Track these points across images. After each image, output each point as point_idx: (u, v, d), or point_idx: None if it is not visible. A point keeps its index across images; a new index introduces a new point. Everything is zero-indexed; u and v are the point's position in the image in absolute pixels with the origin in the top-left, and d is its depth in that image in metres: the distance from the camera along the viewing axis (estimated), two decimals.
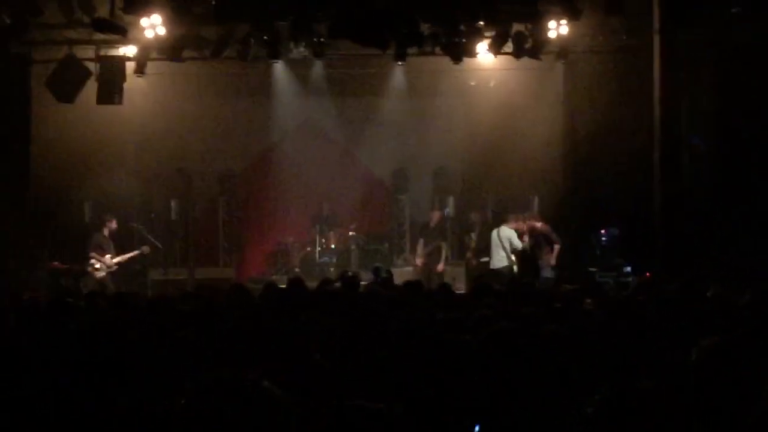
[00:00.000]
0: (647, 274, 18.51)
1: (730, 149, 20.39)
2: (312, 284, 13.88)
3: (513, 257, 21.43)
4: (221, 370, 3.00)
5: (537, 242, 21.38)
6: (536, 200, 23.20)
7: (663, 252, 20.14)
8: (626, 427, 2.93)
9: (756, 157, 19.81)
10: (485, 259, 22.24)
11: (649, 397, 3.00)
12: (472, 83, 24.76)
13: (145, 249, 22.49)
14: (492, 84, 24.41)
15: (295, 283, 13.95)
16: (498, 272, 21.08)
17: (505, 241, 21.40)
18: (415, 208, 26.44)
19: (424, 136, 25.79)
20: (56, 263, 21.63)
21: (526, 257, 21.42)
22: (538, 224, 21.50)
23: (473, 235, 23.47)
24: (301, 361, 5.21)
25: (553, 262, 21.16)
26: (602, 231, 22.69)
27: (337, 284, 13.97)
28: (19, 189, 22.17)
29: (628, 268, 20.95)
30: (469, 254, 23.42)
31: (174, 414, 2.92)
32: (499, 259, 21.51)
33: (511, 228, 21.54)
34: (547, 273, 20.86)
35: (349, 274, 16.50)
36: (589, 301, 10.83)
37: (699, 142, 21.19)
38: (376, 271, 18.74)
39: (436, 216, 23.84)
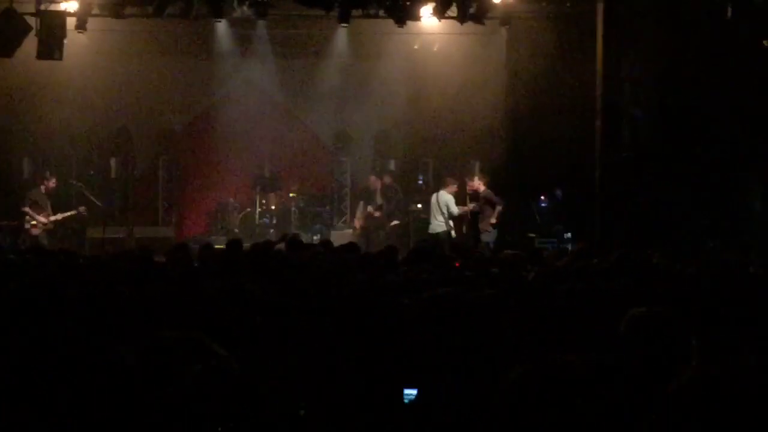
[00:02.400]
0: (579, 243, 18.64)
1: (670, 118, 20.53)
2: (251, 245, 13.90)
3: (451, 222, 21.58)
4: (166, 329, 3.00)
5: (479, 206, 21.51)
6: (477, 165, 23.26)
7: (602, 219, 20.33)
8: (548, 401, 2.95)
9: (696, 125, 19.97)
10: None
11: (575, 371, 3.02)
12: (416, 47, 24.74)
13: (83, 209, 22.32)
14: (435, 48, 24.39)
15: (234, 244, 13.95)
16: (436, 236, 21.24)
17: (443, 206, 21.52)
18: (356, 171, 26.43)
19: (367, 99, 25.73)
20: None
21: (467, 222, 21.60)
22: (482, 187, 21.59)
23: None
24: (242, 324, 5.22)
25: (493, 220, 21.21)
26: (542, 197, 22.82)
27: (281, 246, 13.96)
28: None
29: (568, 235, 21.10)
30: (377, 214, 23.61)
31: (121, 372, 2.91)
32: (438, 223, 21.64)
33: (449, 192, 21.66)
34: (486, 237, 20.97)
35: (290, 235, 16.52)
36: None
37: (639, 115, 21.33)
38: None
39: (374, 180, 23.93)
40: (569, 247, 19.88)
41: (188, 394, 2.87)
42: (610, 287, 7.43)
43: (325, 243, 15.44)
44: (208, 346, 2.97)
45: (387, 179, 24.04)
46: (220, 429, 2.86)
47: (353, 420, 4.48)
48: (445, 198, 21.58)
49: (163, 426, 2.86)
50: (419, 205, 24.01)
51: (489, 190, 21.57)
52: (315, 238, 22.87)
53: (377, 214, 23.44)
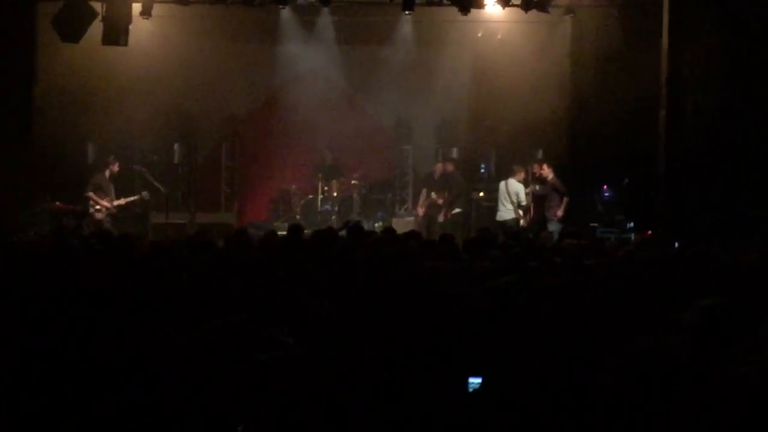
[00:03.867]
0: (648, 232, 18.48)
1: (736, 108, 20.29)
2: (312, 232, 13.93)
3: (520, 211, 21.58)
4: (232, 315, 3.00)
5: (547, 193, 21.50)
6: (540, 153, 23.16)
7: (665, 210, 20.14)
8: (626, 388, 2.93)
9: (764, 114, 19.71)
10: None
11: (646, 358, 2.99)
12: (479, 35, 24.63)
13: (145, 194, 22.47)
14: (499, 36, 24.27)
15: (295, 230, 13.99)
16: (503, 224, 21.25)
17: (513, 195, 21.55)
18: (418, 159, 26.37)
19: (430, 87, 25.67)
20: (59, 203, 21.60)
21: (536, 206, 21.60)
22: (550, 175, 21.57)
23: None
24: (304, 311, 5.21)
25: (560, 214, 21.22)
26: (604, 187, 22.68)
27: (343, 233, 13.98)
28: (22, 129, 22.08)
29: (630, 225, 20.95)
30: (440, 202, 23.52)
31: (188, 357, 2.92)
32: (507, 210, 21.66)
33: (518, 180, 21.68)
34: (553, 227, 20.91)
35: (352, 222, 16.52)
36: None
37: (704, 104, 21.11)
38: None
39: (439, 167, 23.84)
40: (632, 237, 19.76)
41: (255, 381, 2.87)
42: (673, 278, 7.36)
43: (388, 230, 15.42)
44: (274, 332, 2.96)
45: (449, 167, 23.96)
46: (285, 415, 2.86)
47: (417, 408, 4.47)
48: (516, 187, 21.63)
49: (231, 411, 2.86)
50: (481, 194, 23.95)
51: (557, 179, 21.53)
52: (377, 225, 22.87)
53: (440, 201, 23.39)
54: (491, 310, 5.48)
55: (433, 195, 23.59)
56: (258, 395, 2.86)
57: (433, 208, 23.41)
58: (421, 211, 23.54)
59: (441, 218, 23.24)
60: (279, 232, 15.95)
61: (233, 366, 2.89)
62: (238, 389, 2.86)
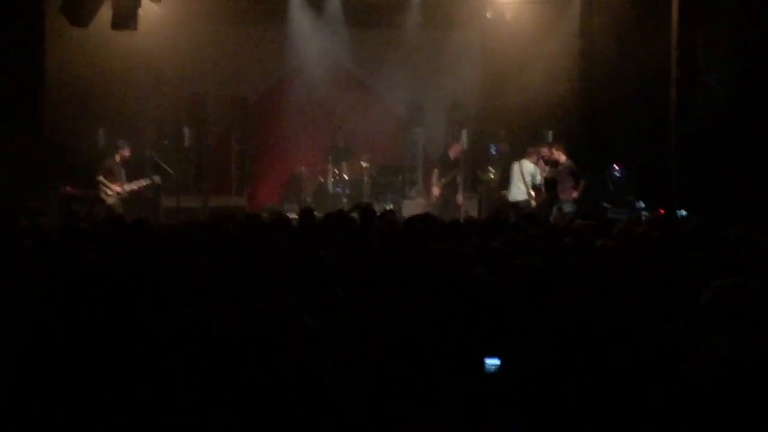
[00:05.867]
0: (661, 210, 18.46)
1: (747, 88, 20.26)
2: (323, 215, 13.92)
3: (533, 192, 21.62)
4: (256, 299, 3.00)
5: (561, 175, 21.49)
6: (550, 134, 23.16)
7: (677, 190, 20.13)
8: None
9: None
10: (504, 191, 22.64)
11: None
12: (489, 16, 24.61)
13: (156, 178, 22.47)
14: (509, 17, 24.26)
15: (306, 213, 14.00)
16: (516, 204, 21.27)
17: (527, 176, 21.60)
18: (428, 141, 26.33)
19: (440, 69, 25.67)
20: (70, 188, 21.63)
21: (547, 189, 21.59)
22: (563, 157, 21.57)
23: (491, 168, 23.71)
24: (322, 294, 5.23)
25: (575, 195, 21.22)
26: (615, 167, 22.65)
27: (354, 214, 13.97)
28: (33, 113, 22.12)
29: (642, 205, 20.94)
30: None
31: (210, 341, 2.92)
32: (519, 191, 21.69)
33: (532, 161, 21.71)
34: (569, 207, 20.92)
35: (364, 204, 16.51)
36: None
37: (715, 83, 21.06)
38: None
39: (457, 148, 23.82)
40: (643, 216, 19.75)
41: (280, 365, 2.88)
42: (685, 257, 7.36)
43: (386, 213, 15.39)
44: (299, 316, 2.97)
45: (458, 149, 23.94)
46: (311, 399, 2.87)
47: (434, 390, 4.49)
48: (530, 167, 21.69)
49: (256, 397, 2.87)
50: (492, 175, 23.94)
51: (570, 161, 21.52)
52: (387, 207, 22.87)
53: (459, 180, 23.46)
54: (505, 291, 5.49)
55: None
56: (285, 378, 2.87)
57: (449, 189, 23.41)
58: (436, 192, 23.49)
59: (459, 199, 23.30)
60: (290, 215, 15.98)
61: (260, 349, 2.89)
62: (266, 373, 2.87)
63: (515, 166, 22.01)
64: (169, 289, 5.88)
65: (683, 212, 19.46)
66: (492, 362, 4.77)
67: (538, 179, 21.68)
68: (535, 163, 21.85)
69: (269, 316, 2.92)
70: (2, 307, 5.91)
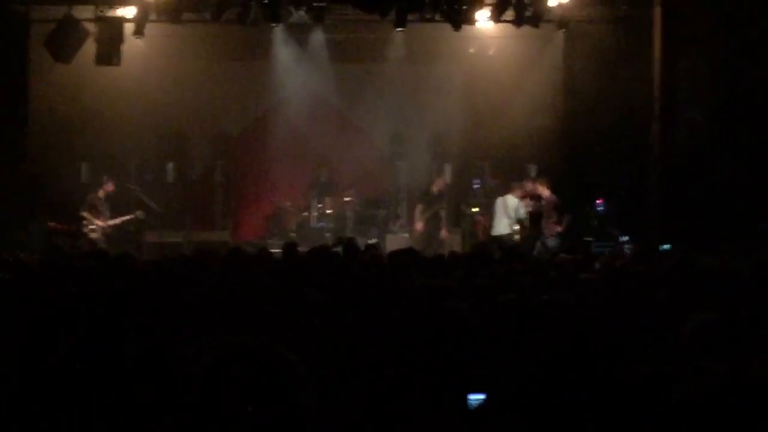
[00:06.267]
0: (636, 246, 18.51)
1: (729, 122, 20.36)
2: (306, 249, 13.92)
3: (516, 227, 21.68)
4: (233, 335, 3.01)
5: (545, 210, 21.56)
6: (534, 169, 23.23)
7: (659, 223, 20.19)
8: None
9: (755, 130, 19.77)
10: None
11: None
12: (472, 51, 24.70)
13: (140, 213, 22.51)
14: (491, 52, 24.34)
15: (289, 247, 14.01)
16: (499, 238, 21.31)
17: (511, 210, 21.67)
18: (411, 175, 26.34)
19: (422, 103, 25.72)
20: (53, 223, 21.59)
21: (531, 224, 21.67)
22: (546, 192, 21.64)
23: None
24: (301, 328, 5.23)
25: (559, 229, 21.29)
26: (598, 200, 22.70)
27: (338, 249, 13.98)
28: (16, 148, 22.12)
29: (625, 238, 20.98)
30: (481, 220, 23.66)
31: (189, 378, 2.92)
32: (503, 225, 21.76)
33: (516, 196, 21.78)
34: (552, 242, 21.00)
35: (345, 239, 16.52)
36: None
37: (697, 116, 21.16)
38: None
39: (440, 182, 23.88)
40: (626, 250, 19.79)
41: (263, 399, 2.88)
42: (667, 290, 7.39)
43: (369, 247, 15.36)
44: (280, 352, 2.97)
45: (441, 183, 24.00)
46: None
47: (417, 425, 4.49)
48: (514, 202, 21.77)
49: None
50: (475, 209, 23.95)
51: (554, 196, 21.60)
52: (371, 241, 22.87)
53: (442, 214, 23.59)
54: (490, 326, 5.51)
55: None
56: (267, 413, 2.87)
57: (432, 223, 23.46)
58: (419, 226, 23.52)
59: (443, 233, 23.34)
60: (273, 250, 15.96)
61: (240, 384, 2.89)
62: (247, 407, 2.87)
63: (499, 201, 22.09)
64: (151, 322, 5.88)
65: (667, 246, 19.50)
66: (476, 398, 4.78)
67: (522, 213, 21.75)
68: (520, 198, 21.91)
69: (250, 352, 2.93)
70: None
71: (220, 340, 3.00)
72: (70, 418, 4.22)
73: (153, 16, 21.33)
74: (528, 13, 21.33)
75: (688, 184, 20.46)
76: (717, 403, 2.96)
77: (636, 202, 21.59)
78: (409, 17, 21.27)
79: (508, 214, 21.78)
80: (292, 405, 2.89)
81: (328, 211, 25.23)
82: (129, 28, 21.38)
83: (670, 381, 3.45)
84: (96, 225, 21.47)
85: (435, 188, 23.80)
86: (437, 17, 21.59)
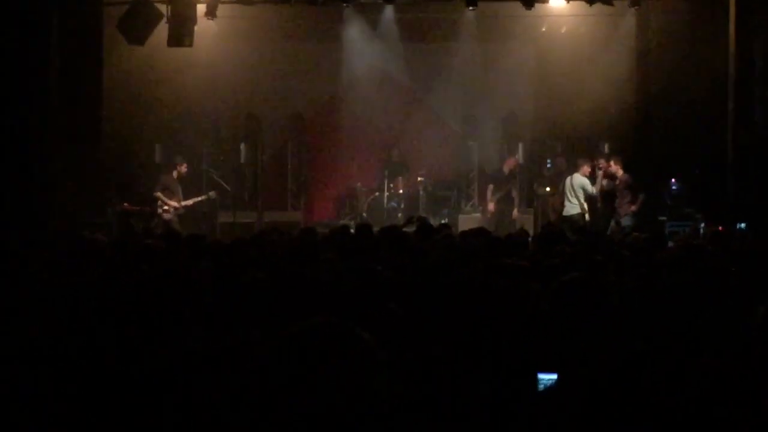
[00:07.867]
0: (720, 228, 18.29)
1: None
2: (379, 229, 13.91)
3: (585, 205, 21.52)
4: (312, 316, 2.98)
5: (618, 189, 21.38)
6: (606, 147, 23.03)
7: (735, 203, 19.95)
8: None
9: None
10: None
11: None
12: (544, 29, 24.54)
13: (212, 194, 22.66)
14: (563, 30, 24.16)
15: (363, 228, 14.01)
16: (569, 218, 21.17)
17: (578, 189, 21.48)
18: (483, 155, 26.24)
19: (494, 83, 25.57)
20: (127, 204, 21.79)
21: (604, 203, 21.51)
22: (620, 171, 21.45)
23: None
24: (376, 309, 5.21)
25: (633, 209, 21.10)
26: (673, 180, 22.49)
27: (411, 228, 13.96)
28: (91, 130, 22.29)
29: (700, 218, 20.77)
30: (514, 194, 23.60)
31: (266, 360, 2.91)
32: (572, 206, 21.60)
33: (583, 174, 21.60)
34: (627, 221, 20.83)
35: (418, 217, 16.48)
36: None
37: None
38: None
39: (510, 162, 23.77)
40: (701, 230, 19.58)
41: (337, 380, 2.86)
42: (744, 271, 7.29)
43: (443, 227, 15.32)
44: (356, 331, 2.95)
45: (512, 163, 23.90)
46: (368, 411, 2.85)
47: (488, 406, 4.46)
48: (580, 180, 21.55)
49: (311, 414, 2.86)
50: (548, 189, 23.81)
51: (627, 175, 21.39)
52: (443, 221, 22.82)
53: (514, 194, 23.50)
54: (560, 306, 5.46)
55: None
56: (344, 394, 2.86)
57: (504, 203, 23.38)
58: (491, 206, 23.44)
59: (515, 213, 23.26)
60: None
61: (314, 364, 2.88)
62: (323, 390, 2.86)
63: (567, 181, 21.92)
64: (221, 304, 5.90)
65: (742, 225, 19.26)
66: (547, 377, 4.74)
67: (590, 190, 21.55)
68: (587, 175, 21.71)
69: (324, 331, 2.91)
70: (49, 316, 5.94)
71: (292, 321, 2.99)
72: (136, 397, 4.25)
73: None
74: None
75: (764, 162, 20.18)
76: None
77: (711, 181, 21.35)
78: None
79: (575, 193, 21.61)
80: (367, 386, 2.87)
81: (400, 192, 25.20)
82: (201, 9, 21.48)
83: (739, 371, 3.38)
84: (169, 206, 21.63)
85: (506, 168, 23.70)
86: None
